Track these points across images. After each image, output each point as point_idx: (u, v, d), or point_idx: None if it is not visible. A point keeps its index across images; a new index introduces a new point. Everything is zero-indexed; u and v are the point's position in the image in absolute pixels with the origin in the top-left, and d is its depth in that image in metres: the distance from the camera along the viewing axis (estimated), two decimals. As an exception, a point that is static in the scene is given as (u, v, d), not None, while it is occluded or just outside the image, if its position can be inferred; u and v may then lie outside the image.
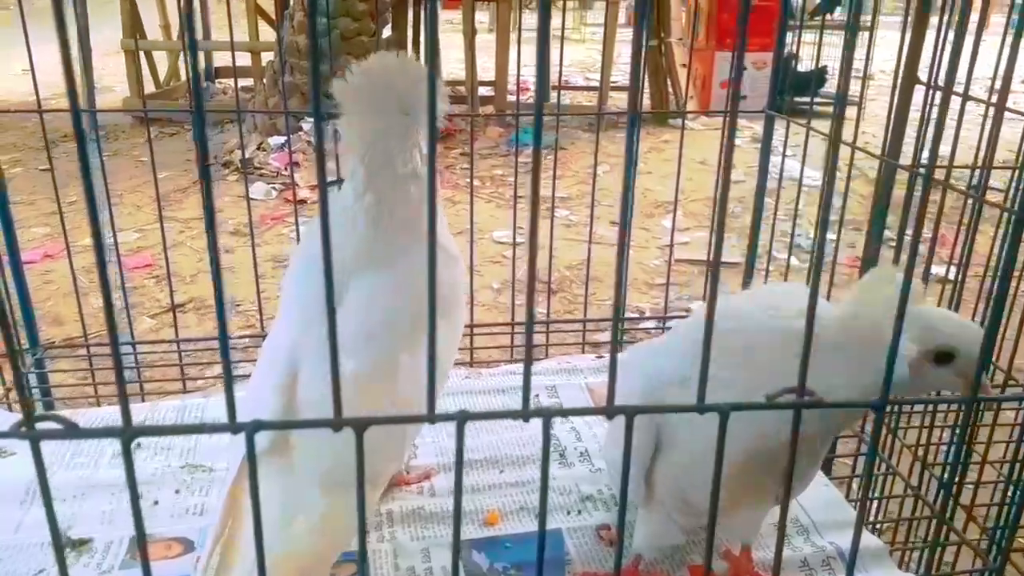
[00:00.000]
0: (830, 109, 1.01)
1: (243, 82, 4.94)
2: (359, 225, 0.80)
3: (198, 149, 0.37)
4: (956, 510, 0.92)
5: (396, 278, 0.79)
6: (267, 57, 4.24)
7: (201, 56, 5.11)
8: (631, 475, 0.74)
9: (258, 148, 3.66)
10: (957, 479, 0.92)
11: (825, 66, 4.80)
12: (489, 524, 0.90)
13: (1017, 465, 0.93)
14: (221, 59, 5.33)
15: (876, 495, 1.06)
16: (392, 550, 0.86)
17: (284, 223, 2.92)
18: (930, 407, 1.01)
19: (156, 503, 0.91)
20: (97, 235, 0.40)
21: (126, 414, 0.43)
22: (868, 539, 0.89)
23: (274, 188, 3.33)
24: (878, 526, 0.98)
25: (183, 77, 5.03)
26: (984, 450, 0.92)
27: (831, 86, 4.78)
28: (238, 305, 2.18)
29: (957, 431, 0.93)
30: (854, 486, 1.07)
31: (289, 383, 0.75)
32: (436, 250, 0.39)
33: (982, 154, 0.94)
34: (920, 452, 0.98)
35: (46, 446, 0.98)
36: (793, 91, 4.53)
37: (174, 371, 1.25)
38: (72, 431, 0.43)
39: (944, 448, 1.04)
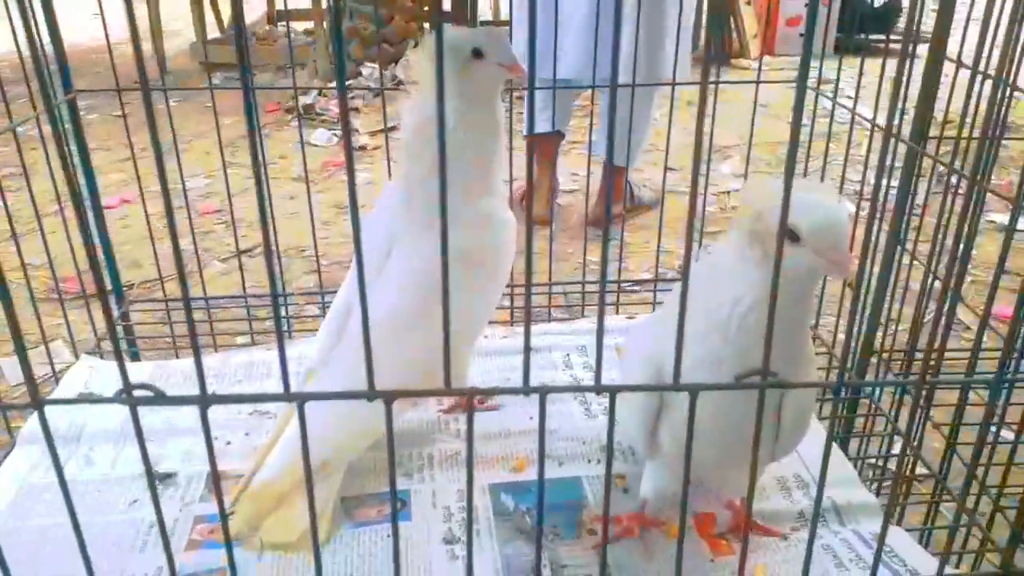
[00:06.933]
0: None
1: (304, 25, 5.02)
2: (405, 195, 0.93)
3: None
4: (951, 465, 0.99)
5: (432, 244, 0.89)
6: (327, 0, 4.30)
7: (263, -1, 5.19)
8: (639, 432, 0.84)
9: (319, 94, 3.76)
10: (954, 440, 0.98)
11: (899, -3, 4.46)
12: (517, 470, 1.01)
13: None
14: (282, 2, 5.40)
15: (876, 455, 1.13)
16: (431, 491, 0.98)
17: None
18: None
19: (229, 443, 1.05)
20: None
21: (202, 386, 0.54)
22: (864, 495, 0.96)
23: (335, 135, 3.42)
24: (876, 484, 1.05)
25: (247, 21, 5.14)
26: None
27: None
28: (303, 251, 2.30)
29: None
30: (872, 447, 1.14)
31: (340, 326, 0.97)
32: (448, 231, 0.49)
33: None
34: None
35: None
36: (864, 28, 4.27)
37: (243, 320, 1.37)
38: (161, 399, 0.54)
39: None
